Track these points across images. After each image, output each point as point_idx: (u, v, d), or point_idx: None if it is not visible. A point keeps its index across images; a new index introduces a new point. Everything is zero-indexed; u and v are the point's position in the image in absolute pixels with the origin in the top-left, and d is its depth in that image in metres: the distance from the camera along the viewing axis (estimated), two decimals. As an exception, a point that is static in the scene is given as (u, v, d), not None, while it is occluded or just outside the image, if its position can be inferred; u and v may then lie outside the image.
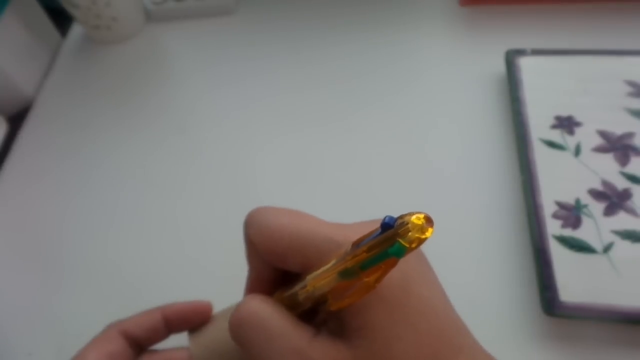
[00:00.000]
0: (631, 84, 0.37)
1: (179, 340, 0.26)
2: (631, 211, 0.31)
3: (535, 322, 0.29)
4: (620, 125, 0.35)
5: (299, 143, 0.40)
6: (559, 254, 0.29)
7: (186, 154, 0.40)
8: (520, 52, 0.39)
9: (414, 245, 0.13)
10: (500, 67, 0.40)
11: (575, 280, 0.28)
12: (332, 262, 0.16)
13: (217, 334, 0.25)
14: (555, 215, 0.31)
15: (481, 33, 0.45)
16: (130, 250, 0.36)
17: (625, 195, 0.32)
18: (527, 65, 0.39)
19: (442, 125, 0.39)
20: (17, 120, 0.46)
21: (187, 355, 0.25)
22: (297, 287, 0.18)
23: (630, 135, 0.34)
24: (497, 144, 0.37)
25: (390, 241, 0.13)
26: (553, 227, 0.31)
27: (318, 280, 0.17)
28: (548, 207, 0.31)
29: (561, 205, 0.31)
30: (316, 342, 0.17)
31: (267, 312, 0.19)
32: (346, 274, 0.15)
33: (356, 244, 0.15)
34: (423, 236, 0.13)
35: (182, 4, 0.50)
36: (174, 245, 0.36)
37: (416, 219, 0.13)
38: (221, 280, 0.31)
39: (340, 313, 0.17)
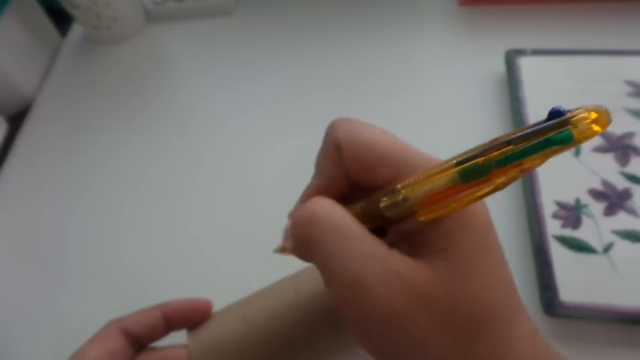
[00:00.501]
0: (631, 84, 0.37)
1: (179, 338, 0.26)
2: (631, 211, 0.31)
3: (535, 322, 0.29)
4: (620, 125, 0.35)
5: (299, 143, 0.40)
6: (559, 254, 0.29)
7: (186, 154, 0.40)
8: (520, 52, 0.39)
9: (583, 137, 0.12)
10: (500, 67, 0.40)
11: (575, 280, 0.28)
12: (440, 165, 0.15)
13: (216, 331, 0.25)
14: (555, 215, 0.31)
15: (481, 33, 0.45)
16: (130, 250, 0.36)
17: (626, 195, 0.32)
18: (527, 65, 0.39)
19: (441, 125, 0.39)
20: (17, 120, 0.46)
21: (186, 352, 0.25)
22: (378, 196, 0.17)
23: (630, 135, 0.34)
24: (497, 144, 0.37)
25: (557, 129, 0.12)
26: (553, 227, 0.31)
27: (418, 184, 0.16)
28: (548, 207, 0.31)
29: (561, 205, 0.31)
30: (394, 252, 0.17)
31: (342, 212, 0.17)
32: (472, 171, 0.14)
33: (497, 140, 0.14)
34: (596, 128, 0.12)
35: (182, 4, 0.50)
36: (173, 245, 0.36)
37: (591, 114, 0.12)
38: (221, 280, 0.31)
39: (418, 233, 0.17)
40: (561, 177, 0.33)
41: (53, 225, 0.38)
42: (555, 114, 0.12)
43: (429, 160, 0.17)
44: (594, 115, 0.12)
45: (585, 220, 0.31)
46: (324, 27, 0.48)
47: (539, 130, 0.13)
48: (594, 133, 0.12)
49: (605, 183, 0.32)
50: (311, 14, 0.49)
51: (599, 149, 0.34)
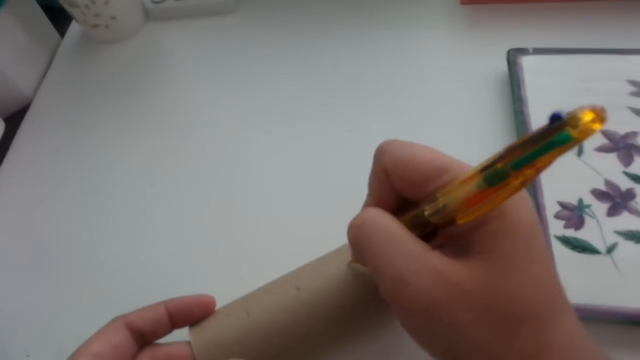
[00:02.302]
0: (634, 83, 0.36)
1: (183, 335, 0.26)
2: (635, 211, 0.31)
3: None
4: (623, 124, 0.34)
5: (299, 142, 0.40)
6: (561, 255, 0.29)
7: (185, 153, 0.40)
8: (522, 51, 0.39)
9: (582, 135, 0.13)
10: (502, 66, 0.40)
11: (578, 281, 0.28)
12: (469, 173, 0.17)
13: (218, 327, 0.25)
14: (557, 216, 0.31)
15: (482, 32, 0.45)
16: (129, 250, 0.35)
17: (629, 195, 0.31)
18: (529, 64, 0.38)
19: (443, 124, 0.39)
20: (15, 120, 0.45)
21: (189, 348, 0.25)
22: (423, 205, 0.19)
23: (633, 134, 0.34)
24: (498, 144, 0.37)
25: (557, 131, 0.14)
26: (555, 227, 0.30)
27: (453, 191, 0.18)
28: (550, 208, 0.31)
29: (564, 206, 0.31)
30: (435, 252, 0.19)
31: (389, 219, 0.20)
32: (493, 176, 0.16)
33: (508, 147, 0.16)
34: (593, 126, 0.13)
35: (182, 3, 0.50)
36: (173, 245, 0.35)
37: (587, 114, 0.13)
38: (220, 281, 0.30)
39: (463, 236, 0.18)
40: (564, 177, 0.32)
41: (51, 225, 0.38)
42: (555, 117, 0.14)
43: (468, 169, 0.19)
44: (589, 115, 0.13)
45: (588, 221, 0.31)
46: (325, 26, 0.48)
47: (543, 134, 0.14)
48: (591, 131, 0.13)
49: (608, 183, 0.32)
50: (311, 13, 0.49)
51: (602, 149, 0.34)
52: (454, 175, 0.19)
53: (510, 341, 0.17)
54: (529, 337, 0.17)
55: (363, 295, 0.25)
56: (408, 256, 0.18)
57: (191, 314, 0.26)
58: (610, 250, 0.29)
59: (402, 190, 0.21)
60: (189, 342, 0.25)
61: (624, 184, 0.32)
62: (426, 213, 0.19)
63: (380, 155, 0.22)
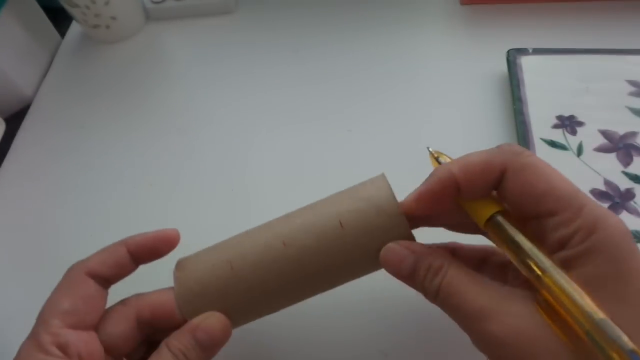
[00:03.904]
0: (633, 83, 0.36)
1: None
2: (634, 211, 0.31)
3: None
4: (622, 124, 0.34)
5: (299, 142, 0.40)
6: (561, 255, 0.29)
7: (185, 153, 0.40)
8: (522, 51, 0.39)
9: None
10: (502, 66, 0.40)
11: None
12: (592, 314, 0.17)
13: (202, 276, 0.25)
14: (557, 216, 0.31)
15: (482, 32, 0.45)
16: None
17: (628, 195, 0.31)
18: (528, 65, 0.38)
19: (443, 125, 0.39)
20: (15, 119, 0.45)
21: (173, 296, 0.25)
22: (535, 255, 0.19)
23: (633, 134, 0.34)
24: (498, 144, 0.37)
25: None
26: (555, 227, 0.30)
27: (560, 296, 0.18)
28: (550, 208, 0.31)
29: (563, 206, 0.31)
30: (514, 292, 0.19)
31: (468, 276, 0.20)
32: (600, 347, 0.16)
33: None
34: None
35: (182, 3, 0.50)
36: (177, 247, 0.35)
37: None
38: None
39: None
40: (563, 177, 0.32)
41: (52, 225, 0.38)
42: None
43: (582, 197, 0.19)
44: None
45: (588, 221, 0.31)
46: (324, 26, 0.48)
47: None
48: None
49: (607, 183, 0.32)
50: (311, 13, 0.49)
51: (602, 149, 0.34)
52: (574, 203, 0.19)
53: None
54: None
55: (355, 259, 0.24)
56: (489, 295, 0.19)
57: (154, 250, 0.25)
58: (609, 250, 0.29)
59: (517, 199, 0.20)
60: (172, 289, 0.25)
61: (623, 184, 0.32)
62: (522, 259, 0.19)
63: (502, 152, 0.21)
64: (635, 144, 0.33)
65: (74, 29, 0.52)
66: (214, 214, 0.37)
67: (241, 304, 0.24)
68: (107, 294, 0.24)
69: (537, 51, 0.39)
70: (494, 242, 0.21)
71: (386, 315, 0.30)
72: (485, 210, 0.21)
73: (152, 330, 0.25)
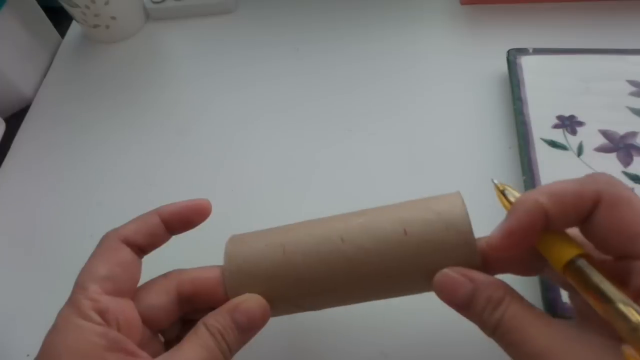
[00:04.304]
0: (634, 83, 0.36)
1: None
2: (634, 211, 0.31)
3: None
4: (623, 124, 0.34)
5: (299, 141, 0.40)
6: (561, 255, 0.29)
7: (185, 153, 0.40)
8: (522, 51, 0.39)
9: None
10: (502, 66, 0.40)
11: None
12: None
13: (252, 256, 0.24)
14: (557, 216, 0.31)
15: (482, 32, 0.45)
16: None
17: (628, 195, 0.31)
18: (528, 65, 0.38)
19: (443, 125, 0.39)
20: (15, 119, 0.45)
21: (215, 275, 0.24)
22: (630, 306, 0.17)
23: (633, 134, 0.34)
24: (498, 144, 0.37)
25: None
26: (555, 227, 0.30)
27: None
28: (550, 208, 0.31)
29: (563, 206, 0.31)
30: (584, 332, 0.18)
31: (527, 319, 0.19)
32: None
33: None
34: None
35: (182, 3, 0.50)
36: (172, 245, 0.35)
37: None
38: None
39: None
40: (563, 177, 0.32)
41: (52, 225, 0.38)
42: None
43: None
44: None
45: (588, 221, 0.30)
46: (324, 26, 0.48)
47: None
48: None
49: (608, 183, 0.32)
50: (311, 13, 0.49)
51: (602, 149, 0.34)
52: None
53: None
54: None
55: (412, 271, 0.22)
56: (551, 335, 0.18)
57: (187, 219, 0.25)
58: (609, 250, 0.29)
59: (607, 233, 0.18)
60: (216, 268, 0.25)
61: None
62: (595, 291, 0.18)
63: (594, 181, 0.19)
64: (635, 144, 0.33)
65: (74, 29, 0.52)
66: (213, 214, 0.36)
67: (285, 290, 0.23)
68: (141, 264, 0.24)
69: (537, 51, 0.39)
70: (573, 285, 0.19)
71: (386, 315, 0.30)
72: (564, 253, 0.19)
73: (191, 308, 0.24)
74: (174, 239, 0.37)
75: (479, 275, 0.20)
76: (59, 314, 0.22)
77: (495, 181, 0.23)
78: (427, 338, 0.29)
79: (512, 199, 0.21)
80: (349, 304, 0.25)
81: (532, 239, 0.19)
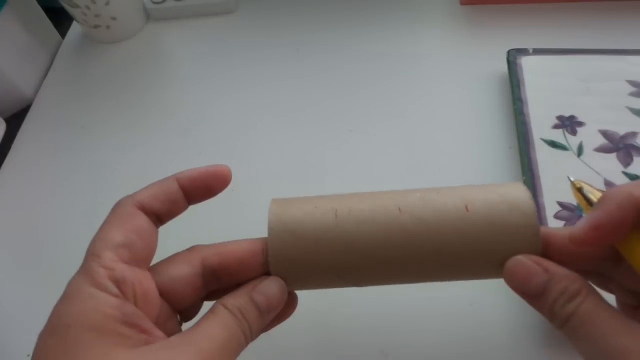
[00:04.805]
0: (633, 83, 0.36)
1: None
2: (634, 211, 0.31)
3: (538, 324, 0.29)
4: (622, 125, 0.34)
5: (299, 141, 0.40)
6: (561, 255, 0.29)
7: (186, 154, 0.40)
8: (522, 52, 0.39)
9: None
10: (502, 66, 0.40)
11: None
12: None
13: (300, 215, 0.22)
14: (557, 216, 0.31)
15: (482, 32, 0.45)
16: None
17: (628, 195, 0.31)
18: (528, 65, 0.38)
19: (443, 125, 0.39)
20: (15, 119, 0.45)
21: (241, 250, 0.22)
22: None
23: (633, 135, 0.34)
24: (498, 144, 0.37)
25: None
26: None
27: None
28: (550, 208, 0.31)
29: (563, 206, 0.31)
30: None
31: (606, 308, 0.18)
32: None
33: None
34: None
35: (182, 3, 0.50)
36: (172, 246, 0.35)
37: None
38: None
39: None
40: (563, 177, 0.32)
41: (52, 225, 0.38)
42: None
43: None
44: None
45: (588, 221, 0.30)
46: (325, 26, 0.48)
47: None
48: None
49: (608, 183, 0.32)
50: (311, 13, 0.49)
51: (602, 149, 0.34)
52: None
53: None
54: None
55: (470, 250, 0.21)
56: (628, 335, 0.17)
57: (206, 186, 0.23)
58: (609, 250, 0.29)
59: None
60: (247, 240, 0.23)
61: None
62: None
63: None
64: (635, 144, 0.33)
65: (74, 29, 0.52)
66: (213, 214, 0.36)
67: (333, 258, 0.21)
68: (157, 234, 0.22)
69: (537, 51, 0.39)
70: None
71: (386, 315, 0.30)
72: None
73: (216, 285, 0.22)
74: (174, 243, 0.37)
75: (554, 266, 0.19)
76: (69, 283, 0.20)
77: (572, 178, 0.22)
78: (427, 338, 0.29)
79: (591, 197, 0.20)
80: (396, 282, 0.23)
81: (620, 235, 0.18)
